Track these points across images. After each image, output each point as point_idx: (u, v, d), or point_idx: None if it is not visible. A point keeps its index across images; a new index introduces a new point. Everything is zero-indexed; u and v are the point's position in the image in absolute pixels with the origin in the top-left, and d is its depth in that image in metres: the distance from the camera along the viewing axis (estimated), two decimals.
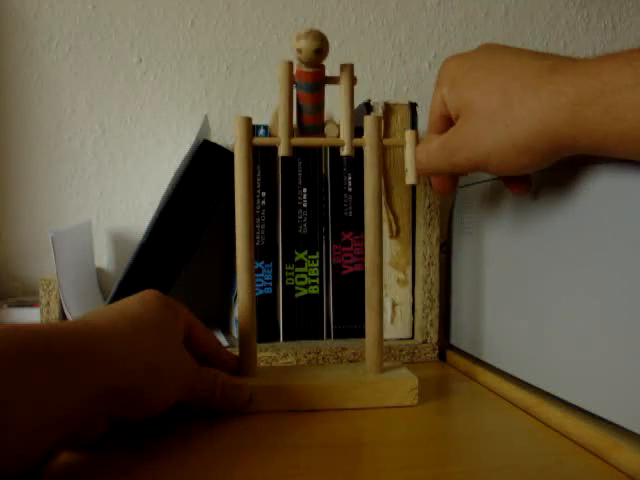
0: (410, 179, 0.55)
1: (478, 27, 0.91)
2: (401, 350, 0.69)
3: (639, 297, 0.40)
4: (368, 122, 0.54)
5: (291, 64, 0.53)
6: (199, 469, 0.40)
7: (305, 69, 0.51)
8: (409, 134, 0.55)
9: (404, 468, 0.40)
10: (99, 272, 0.85)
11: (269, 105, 0.87)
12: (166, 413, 0.45)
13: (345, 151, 0.55)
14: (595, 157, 0.43)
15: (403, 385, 0.53)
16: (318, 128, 0.56)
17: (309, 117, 0.55)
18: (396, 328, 0.71)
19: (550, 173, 0.50)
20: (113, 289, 0.67)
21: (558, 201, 0.49)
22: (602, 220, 0.44)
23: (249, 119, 0.54)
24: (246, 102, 0.87)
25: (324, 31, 0.49)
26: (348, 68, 0.56)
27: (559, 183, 0.49)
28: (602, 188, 0.44)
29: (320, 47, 0.48)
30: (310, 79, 0.52)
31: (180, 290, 0.84)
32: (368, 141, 0.54)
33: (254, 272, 0.55)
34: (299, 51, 0.48)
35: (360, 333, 0.71)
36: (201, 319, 0.83)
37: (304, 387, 0.52)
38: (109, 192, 0.85)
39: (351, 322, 0.71)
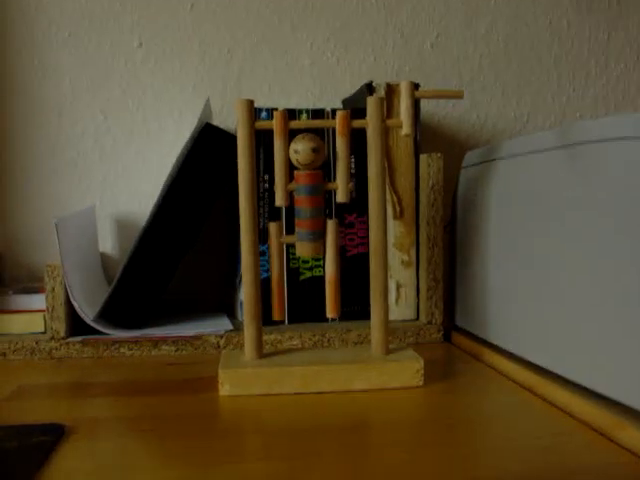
0: (406, 129, 0.54)
1: (480, 6, 0.90)
2: (406, 331, 0.69)
3: None
4: (370, 103, 0.54)
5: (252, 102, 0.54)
6: (203, 453, 0.41)
7: (303, 171, 0.53)
8: (405, 84, 0.54)
9: (410, 450, 0.41)
10: (103, 257, 0.85)
11: (270, 88, 0.86)
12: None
13: (339, 197, 0.55)
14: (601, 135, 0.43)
15: (409, 367, 0.53)
16: (316, 235, 0.55)
17: (308, 222, 0.54)
18: (401, 309, 0.71)
19: (554, 151, 0.49)
20: (117, 274, 0.67)
21: (564, 180, 0.49)
22: (610, 198, 0.44)
23: (251, 102, 0.54)
24: (248, 85, 0.86)
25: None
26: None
27: (564, 160, 0.49)
28: (610, 165, 0.44)
29: (317, 146, 0.52)
30: (309, 181, 0.53)
31: (185, 275, 0.84)
32: (370, 123, 0.54)
33: (258, 255, 0.55)
34: (296, 152, 0.52)
35: (365, 315, 0.71)
36: (206, 304, 0.83)
37: (310, 370, 0.52)
38: (112, 177, 0.85)
39: (356, 304, 0.71)
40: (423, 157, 0.70)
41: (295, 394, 0.52)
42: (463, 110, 0.91)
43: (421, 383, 0.53)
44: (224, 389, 0.52)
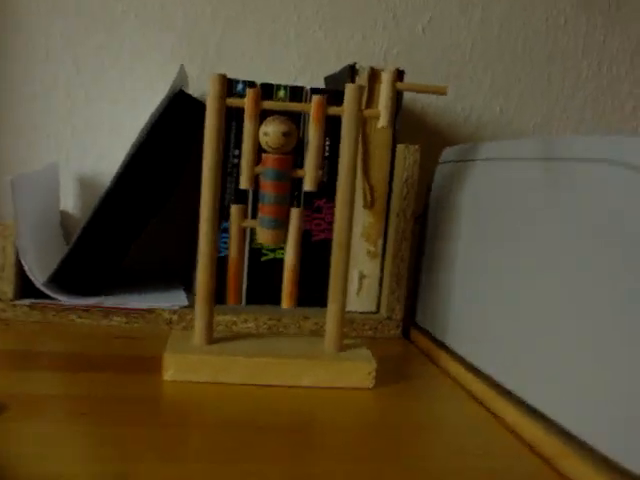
0: (383, 121, 0.52)
1: None
2: (364, 324, 0.67)
3: (604, 300, 0.39)
4: (349, 91, 0.52)
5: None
6: (137, 446, 0.39)
7: (272, 155, 0.51)
8: (387, 73, 0.52)
9: (350, 456, 0.39)
10: (65, 216, 0.82)
11: (253, 58, 0.83)
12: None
13: (306, 185, 0.52)
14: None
15: (361, 367, 0.52)
16: (278, 222, 0.52)
17: (271, 208, 0.51)
18: (361, 301, 0.70)
19: (534, 162, 0.48)
20: (74, 237, 0.65)
21: (540, 192, 0.47)
22: (584, 218, 0.42)
23: (224, 77, 0.51)
24: (229, 53, 0.83)
25: None
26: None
27: (543, 173, 0.47)
28: (589, 185, 0.42)
29: (288, 130, 0.50)
30: (276, 165, 0.51)
31: (146, 244, 0.82)
32: (347, 111, 0.52)
33: (216, 236, 0.53)
34: (266, 134, 0.50)
35: (326, 302, 0.69)
36: (165, 276, 0.81)
37: (258, 361, 0.51)
38: (80, 134, 0.82)
39: (317, 290, 0.70)
40: (400, 148, 0.67)
41: (241, 385, 0.51)
42: (448, 100, 0.88)
43: (371, 385, 0.52)
44: (168, 374, 0.50)
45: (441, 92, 0.53)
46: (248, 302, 0.69)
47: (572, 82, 0.91)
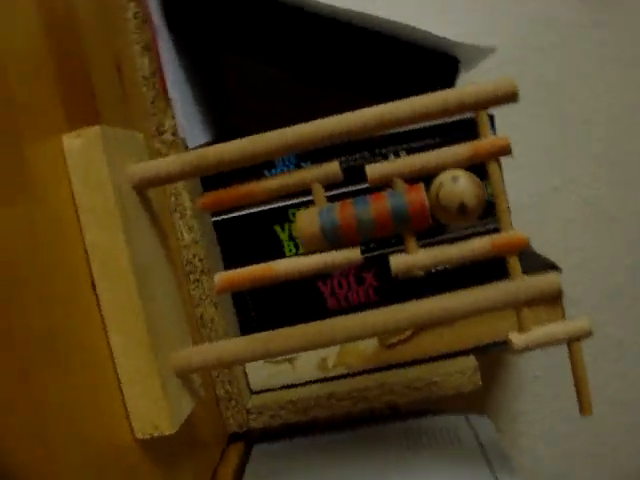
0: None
1: None
2: (216, 375, 0.50)
3: None
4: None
5: None
6: None
7: (424, 197, 0.33)
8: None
9: None
10: None
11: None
12: None
13: (395, 264, 0.34)
14: None
15: (163, 410, 0.34)
16: (333, 236, 0.34)
17: (347, 218, 0.34)
18: (262, 370, 0.52)
19: None
20: None
21: None
22: None
23: (514, 95, 0.34)
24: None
25: None
26: None
27: None
28: None
29: (471, 209, 0.32)
30: (413, 208, 0.33)
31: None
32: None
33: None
34: (454, 180, 0.32)
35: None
36: (219, 110, 0.65)
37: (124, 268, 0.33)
38: None
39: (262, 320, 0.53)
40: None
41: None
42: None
43: (144, 437, 0.34)
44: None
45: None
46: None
47: None
